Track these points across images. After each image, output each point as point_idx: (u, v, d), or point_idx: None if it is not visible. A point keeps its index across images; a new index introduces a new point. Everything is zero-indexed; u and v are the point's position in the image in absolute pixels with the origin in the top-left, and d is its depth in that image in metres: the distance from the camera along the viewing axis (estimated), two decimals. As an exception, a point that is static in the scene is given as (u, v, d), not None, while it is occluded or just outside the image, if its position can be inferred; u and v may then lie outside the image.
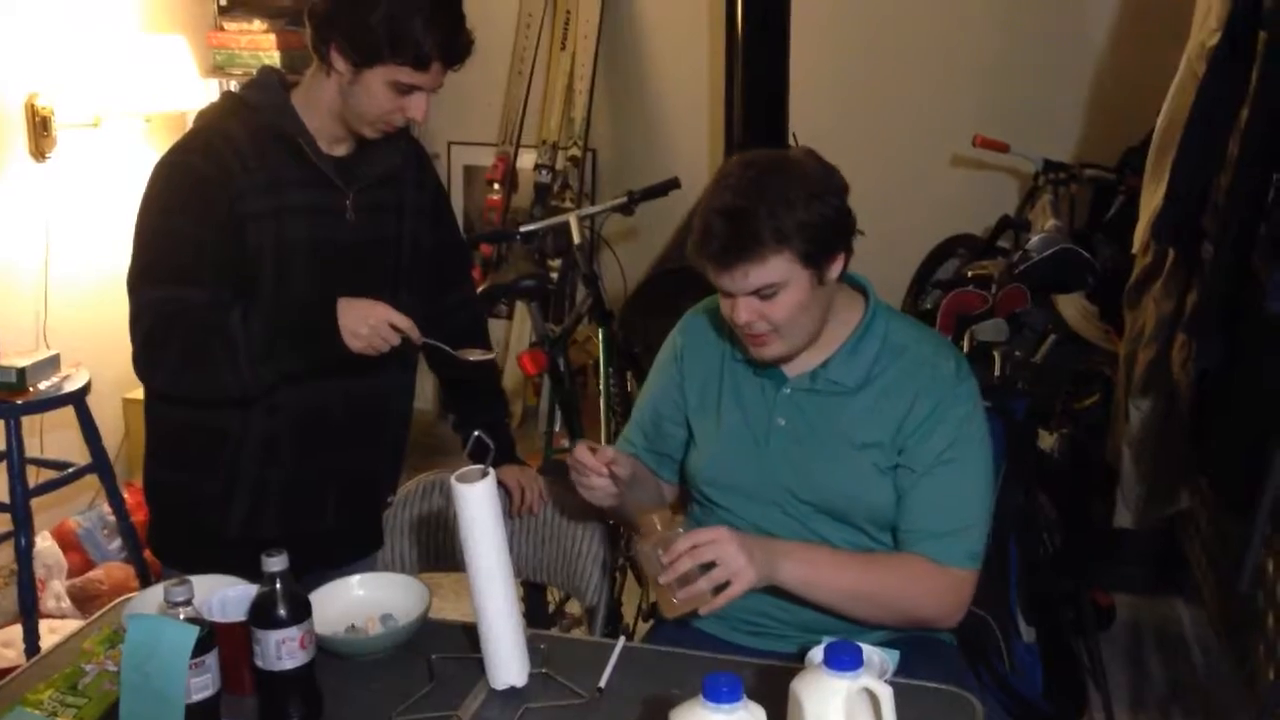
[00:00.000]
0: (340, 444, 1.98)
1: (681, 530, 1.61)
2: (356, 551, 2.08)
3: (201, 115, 1.92)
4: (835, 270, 1.73)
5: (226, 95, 1.95)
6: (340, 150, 1.92)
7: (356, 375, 1.89)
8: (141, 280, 1.82)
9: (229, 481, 1.93)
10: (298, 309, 1.81)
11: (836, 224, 1.70)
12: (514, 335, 4.78)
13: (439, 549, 2.14)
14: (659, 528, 1.61)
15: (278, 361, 1.80)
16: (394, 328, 1.75)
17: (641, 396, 2.02)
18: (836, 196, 1.71)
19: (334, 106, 1.85)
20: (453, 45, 1.80)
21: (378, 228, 1.95)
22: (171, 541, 2.04)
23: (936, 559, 1.74)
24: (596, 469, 1.70)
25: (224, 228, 1.80)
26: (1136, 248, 3.08)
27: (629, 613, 2.96)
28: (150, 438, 2.01)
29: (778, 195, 1.65)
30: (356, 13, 1.75)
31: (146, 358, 1.83)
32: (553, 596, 2.85)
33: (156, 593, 1.56)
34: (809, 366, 1.80)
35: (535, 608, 2.74)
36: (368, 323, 1.74)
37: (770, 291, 1.68)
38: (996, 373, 2.68)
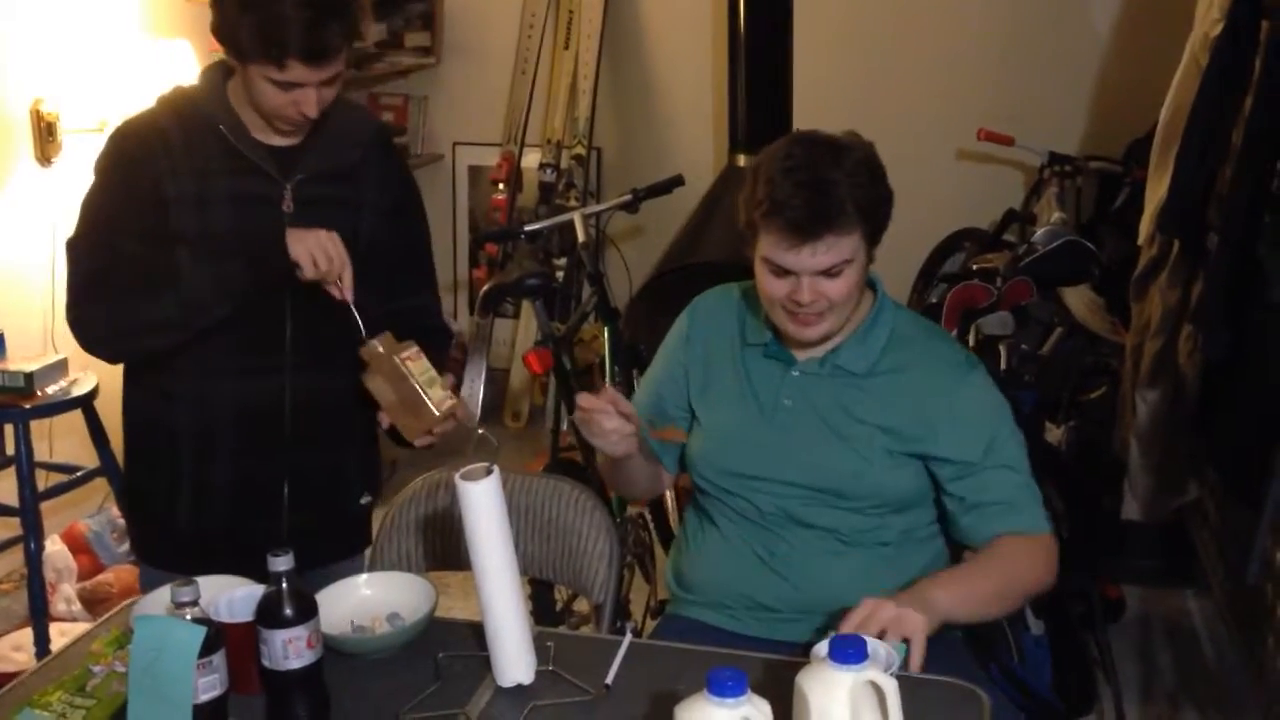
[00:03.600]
0: (292, 443, 1.96)
1: (413, 350, 1.77)
2: (333, 551, 2.04)
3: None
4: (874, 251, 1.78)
5: (174, 86, 1.97)
6: (284, 140, 1.90)
7: (304, 372, 1.90)
8: (76, 239, 1.89)
9: (171, 476, 1.95)
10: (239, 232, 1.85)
11: (888, 205, 1.75)
12: (519, 334, 4.79)
13: (445, 548, 2.14)
14: (382, 350, 1.74)
15: (223, 272, 1.81)
16: (339, 260, 1.78)
17: (645, 379, 2.03)
18: (886, 181, 1.76)
19: (247, 99, 1.86)
20: (312, 42, 1.74)
21: (324, 221, 1.90)
22: (138, 537, 2.09)
23: (1027, 530, 1.76)
24: (602, 408, 1.68)
25: (147, 204, 1.84)
26: (1142, 239, 3.07)
27: (637, 610, 2.97)
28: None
29: (851, 170, 1.68)
30: (224, 13, 1.77)
31: (76, 310, 1.88)
32: (560, 594, 2.86)
33: (164, 594, 1.57)
34: (819, 351, 1.82)
35: (543, 605, 2.75)
36: (314, 233, 1.77)
37: (838, 269, 1.69)
38: (1002, 366, 2.67)
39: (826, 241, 1.66)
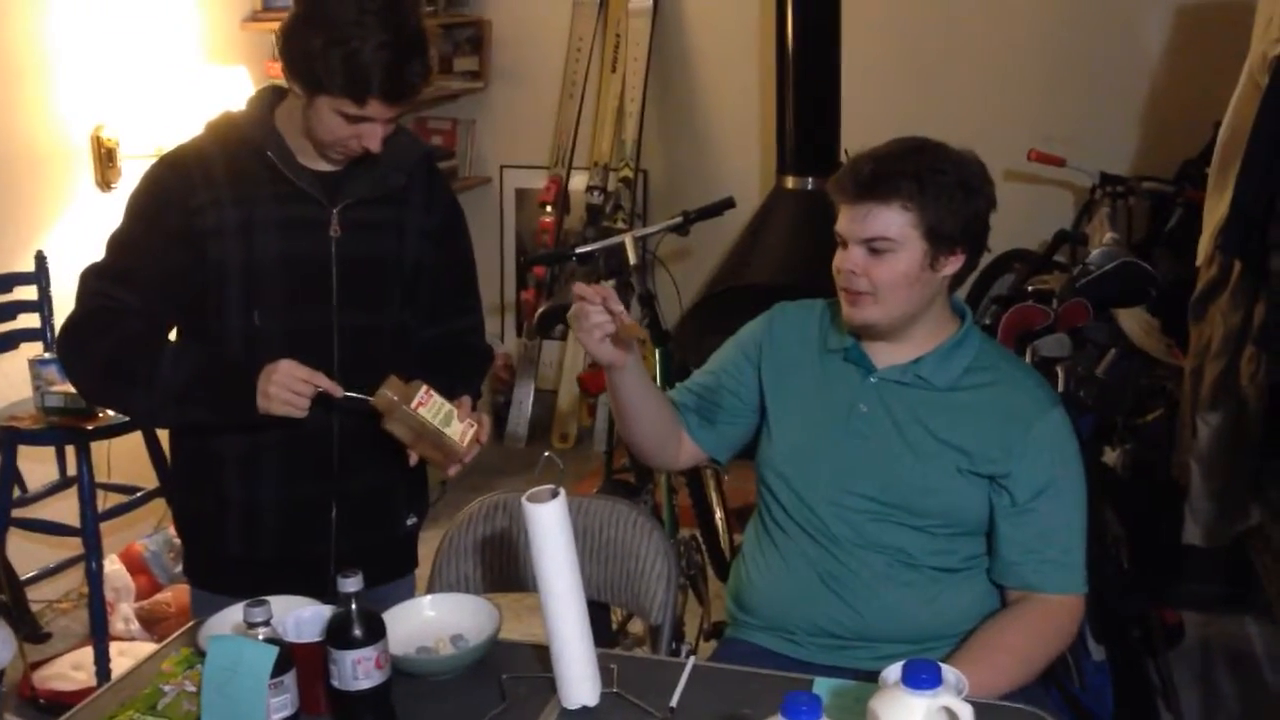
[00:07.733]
0: (340, 468, 1.96)
1: (423, 388, 1.78)
2: (382, 574, 2.01)
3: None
4: (951, 266, 1.78)
5: (223, 112, 1.97)
6: (330, 166, 1.90)
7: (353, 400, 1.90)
8: (90, 271, 1.91)
9: (219, 501, 1.96)
10: (229, 364, 1.85)
11: (970, 223, 1.76)
12: (570, 356, 4.80)
13: (503, 570, 2.15)
14: (394, 398, 1.76)
15: (189, 407, 1.84)
16: (309, 383, 1.77)
17: (706, 366, 2.03)
18: (983, 201, 1.77)
19: (301, 126, 1.85)
20: (394, 82, 1.75)
21: (371, 245, 1.93)
22: (190, 561, 2.09)
23: (1062, 590, 1.76)
24: (592, 298, 1.68)
25: (174, 242, 1.85)
26: (1200, 260, 3.03)
27: (690, 632, 2.96)
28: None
29: (932, 164, 1.72)
30: (302, 41, 1.75)
31: (67, 348, 1.89)
32: (616, 615, 2.86)
33: (234, 614, 1.59)
34: (902, 359, 1.82)
35: (599, 626, 2.74)
36: (271, 379, 1.76)
37: (881, 246, 1.73)
38: (1060, 388, 2.65)
39: (866, 207, 1.72)
